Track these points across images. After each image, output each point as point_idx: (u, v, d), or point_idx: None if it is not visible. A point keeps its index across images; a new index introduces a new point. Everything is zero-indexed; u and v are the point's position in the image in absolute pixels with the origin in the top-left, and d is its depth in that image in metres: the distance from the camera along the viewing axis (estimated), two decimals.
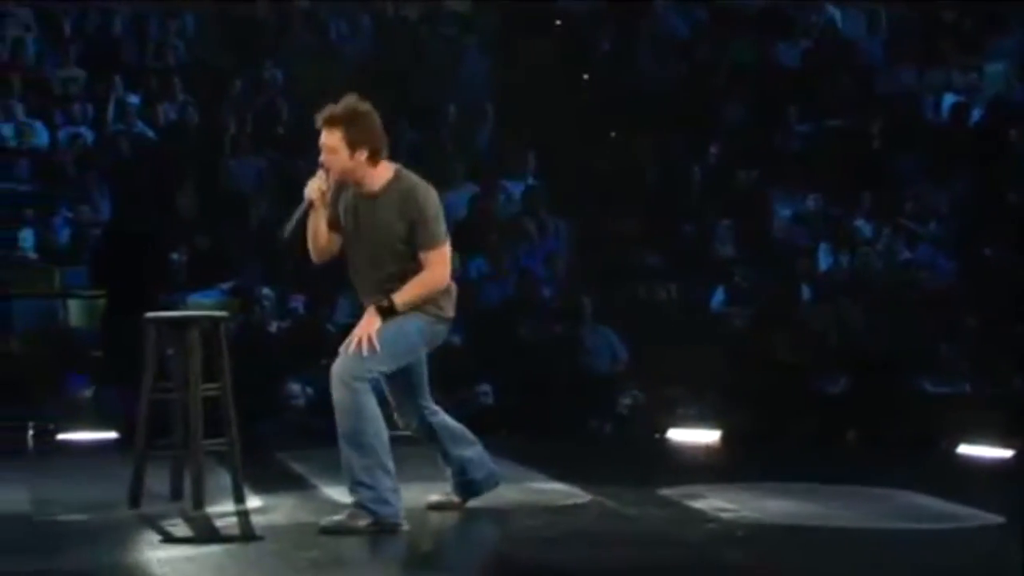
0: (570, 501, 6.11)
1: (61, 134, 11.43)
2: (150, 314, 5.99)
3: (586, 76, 12.27)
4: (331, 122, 5.40)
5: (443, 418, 5.73)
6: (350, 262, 5.60)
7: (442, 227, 5.41)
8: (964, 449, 8.44)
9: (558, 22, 12.65)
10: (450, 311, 5.49)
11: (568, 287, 10.61)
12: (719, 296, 10.47)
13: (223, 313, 6.32)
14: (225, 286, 10.29)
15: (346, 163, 5.37)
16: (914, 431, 9.00)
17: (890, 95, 11.71)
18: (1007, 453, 8.33)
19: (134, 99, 11.64)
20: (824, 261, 10.60)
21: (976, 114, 11.37)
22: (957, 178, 10.85)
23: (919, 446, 8.81)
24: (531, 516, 5.75)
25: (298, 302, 10.34)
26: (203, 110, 11.59)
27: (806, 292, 10.37)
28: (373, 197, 5.41)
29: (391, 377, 5.50)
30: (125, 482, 5.91)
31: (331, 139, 5.39)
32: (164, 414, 5.98)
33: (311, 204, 5.48)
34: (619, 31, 12.48)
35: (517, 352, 9.73)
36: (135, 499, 5.87)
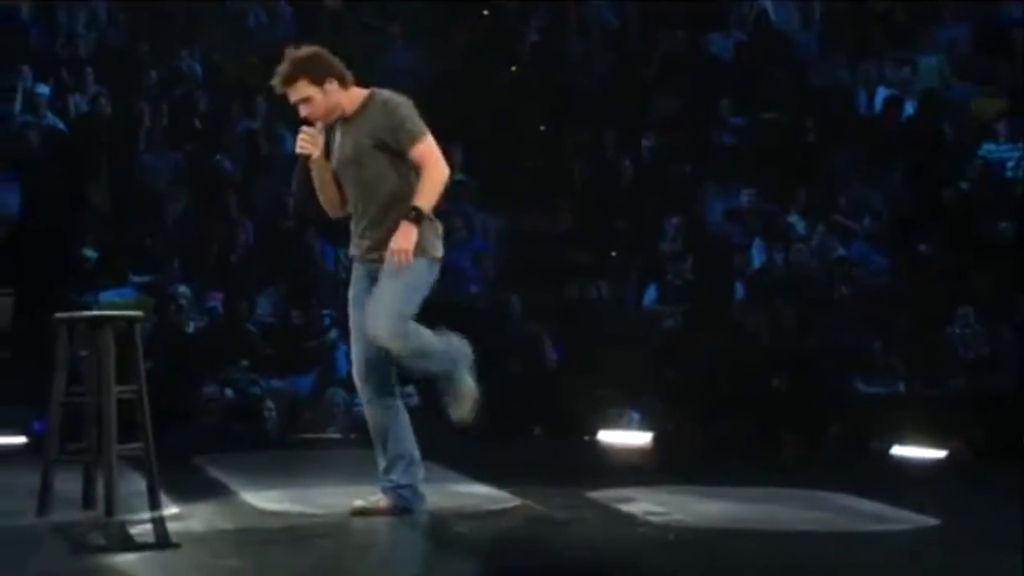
0: (498, 505, 6.12)
1: None
2: (61, 314, 5.92)
3: (514, 68, 12.29)
4: (290, 78, 5.60)
5: (403, 410, 5.76)
6: (350, 201, 5.71)
7: (421, 123, 5.59)
8: (898, 450, 8.56)
9: (485, 12, 12.66)
10: (441, 251, 5.66)
11: (496, 285, 10.63)
12: (651, 294, 10.54)
13: (138, 313, 6.26)
14: (137, 280, 10.21)
15: (323, 102, 5.58)
16: (848, 432, 9.13)
17: (824, 88, 11.83)
18: (941, 454, 8.46)
19: (43, 90, 11.49)
20: (758, 258, 10.69)
21: (909, 108, 11.51)
22: (891, 173, 10.98)
23: (853, 447, 8.93)
24: (458, 521, 5.76)
25: (216, 301, 10.29)
26: (116, 101, 11.47)
27: (739, 290, 10.46)
28: (351, 119, 5.61)
29: (360, 333, 5.60)
30: (33, 489, 5.84)
31: (299, 91, 5.59)
32: (75, 418, 5.91)
33: (306, 159, 5.64)
34: (548, 22, 12.52)
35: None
36: (44, 507, 5.80)
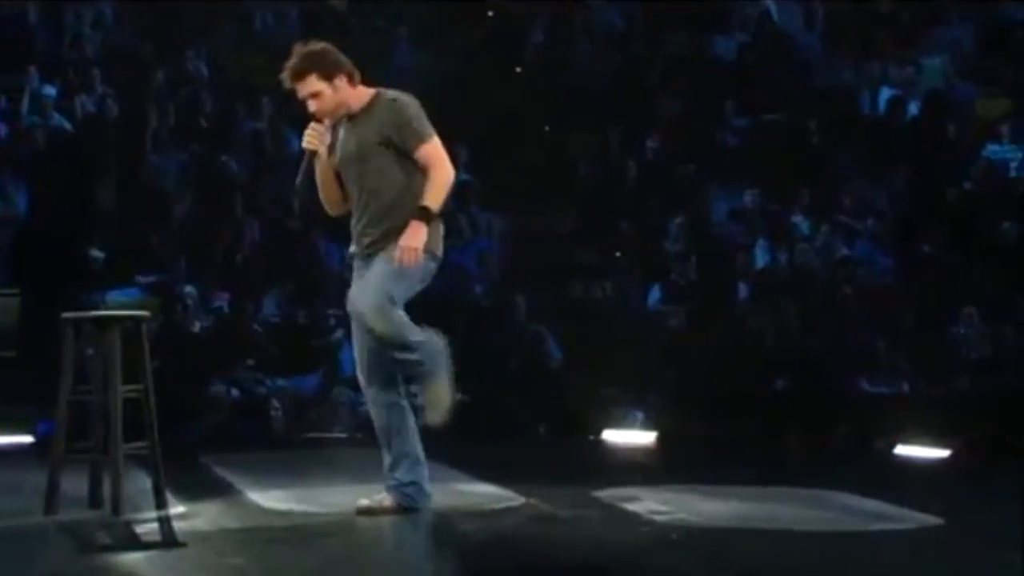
0: (503, 504, 6.12)
1: None
2: (68, 313, 5.92)
3: (519, 69, 12.28)
4: (300, 72, 5.59)
5: (408, 408, 5.76)
6: (351, 198, 5.69)
7: (427, 123, 5.59)
8: (902, 449, 8.55)
9: (490, 13, 12.66)
10: (441, 250, 5.65)
11: (501, 285, 10.62)
12: (655, 294, 10.53)
13: (144, 312, 6.26)
14: (144, 280, 10.21)
15: (332, 98, 5.58)
16: (852, 431, 9.11)
17: (827, 89, 11.82)
18: (944, 453, 8.44)
19: (50, 91, 11.50)
20: (761, 258, 10.69)
21: (913, 108, 11.50)
22: (895, 173, 10.97)
23: (857, 446, 8.92)
24: (463, 520, 5.76)
25: (222, 300, 10.29)
26: (123, 102, 11.47)
27: (743, 290, 10.45)
28: (357, 117, 5.61)
29: (362, 332, 5.59)
30: (40, 488, 5.84)
31: (309, 86, 5.59)
32: (82, 417, 5.91)
33: (312, 154, 5.63)
34: (553, 23, 12.51)
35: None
36: (51, 505, 5.80)
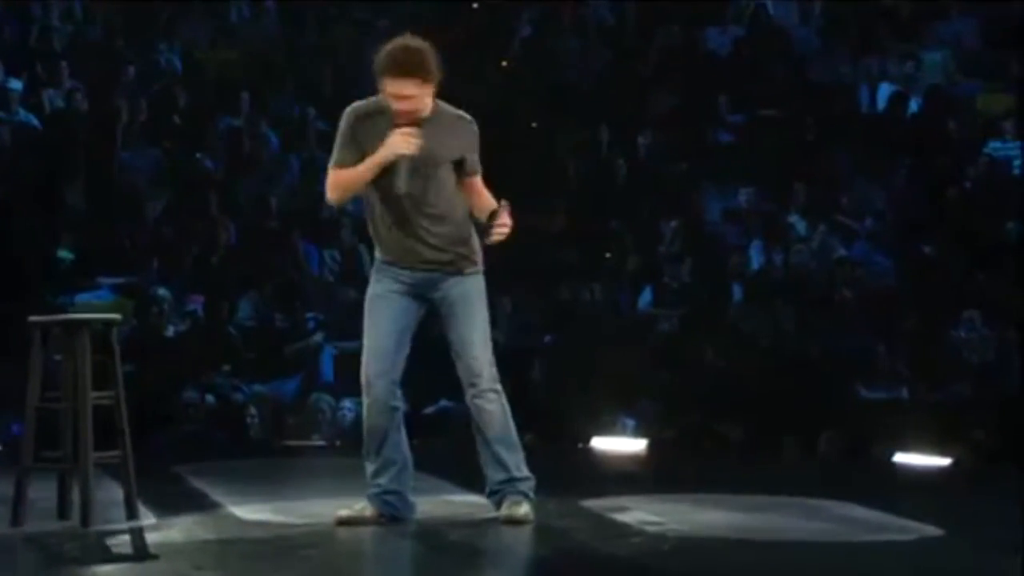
0: (490, 514, 6.13)
1: None
2: (36, 317, 5.92)
3: (505, 63, 12.29)
4: (409, 70, 5.60)
5: (401, 415, 5.79)
6: (393, 204, 5.66)
7: None
8: (900, 457, 8.58)
9: (475, 5, 12.67)
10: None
11: (487, 286, 10.62)
12: (646, 296, 10.55)
13: (115, 316, 6.26)
14: (115, 282, 10.21)
15: (423, 104, 5.66)
16: (849, 438, 9.14)
17: (825, 84, 11.85)
18: (945, 461, 8.47)
19: (16, 85, 11.48)
20: (756, 259, 10.71)
21: (913, 105, 11.53)
22: (894, 172, 11.00)
23: (854, 454, 8.94)
24: (448, 530, 5.76)
25: (197, 303, 10.28)
26: (93, 97, 11.46)
27: (737, 292, 10.47)
28: (426, 121, 5.66)
29: (390, 329, 5.69)
30: (6, 498, 5.84)
31: (407, 88, 5.61)
32: (51, 424, 5.91)
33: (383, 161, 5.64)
34: (540, 17, 12.53)
35: (432, 356, 9.72)
36: (17, 516, 5.79)
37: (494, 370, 5.77)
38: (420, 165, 5.64)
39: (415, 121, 5.63)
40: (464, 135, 5.75)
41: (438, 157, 5.66)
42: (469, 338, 5.72)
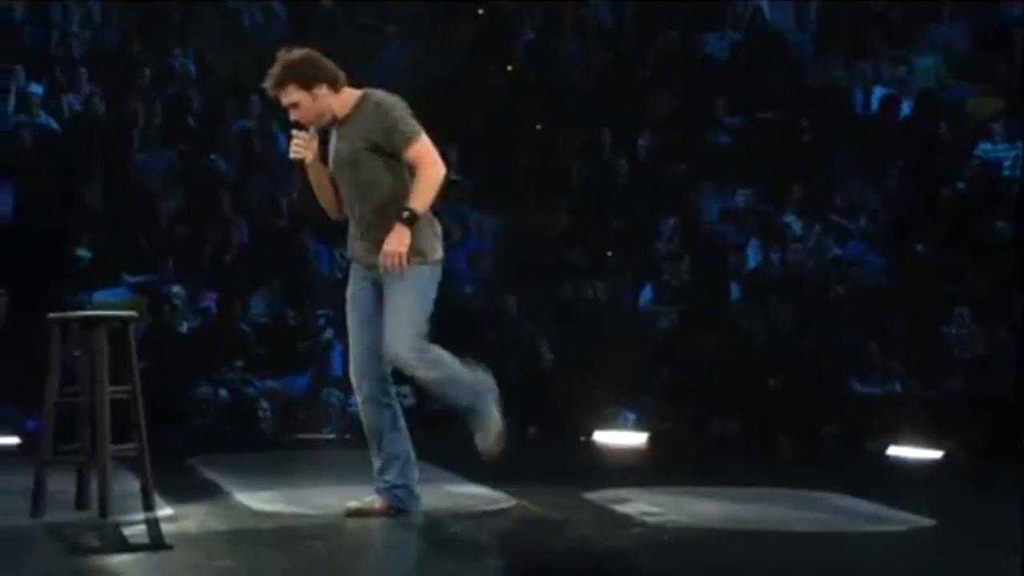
0: (493, 506, 6.12)
1: None
2: (55, 314, 5.92)
3: (509, 68, 12.29)
4: (280, 81, 5.59)
5: (399, 410, 5.76)
6: (346, 203, 5.69)
7: (414, 122, 5.57)
8: (894, 450, 8.57)
9: (480, 11, 12.66)
10: (440, 252, 5.66)
11: (492, 285, 10.63)
12: (647, 294, 10.54)
13: (132, 313, 6.26)
14: (132, 280, 10.21)
15: (313, 107, 5.57)
16: (844, 432, 9.13)
17: (820, 88, 11.83)
18: (937, 454, 8.46)
19: (36, 89, 11.48)
20: (753, 258, 10.70)
21: (906, 107, 11.51)
22: (887, 173, 10.99)
23: (849, 447, 8.93)
24: (453, 522, 5.76)
25: (210, 301, 10.28)
26: (110, 101, 11.46)
27: (735, 290, 10.46)
28: (344, 122, 5.60)
29: (359, 332, 5.62)
30: (27, 490, 5.83)
31: (289, 96, 5.59)
32: (69, 418, 5.91)
33: (300, 164, 5.66)
34: (543, 21, 12.52)
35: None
36: (38, 508, 5.79)
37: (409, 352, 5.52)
38: (347, 163, 5.59)
39: (330, 123, 5.59)
40: (372, 119, 5.55)
41: (354, 151, 5.56)
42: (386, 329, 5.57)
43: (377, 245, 5.55)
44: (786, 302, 10.11)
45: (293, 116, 5.61)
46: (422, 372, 5.55)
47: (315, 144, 5.65)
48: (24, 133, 11.08)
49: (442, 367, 5.56)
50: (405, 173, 5.57)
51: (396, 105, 5.59)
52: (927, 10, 12.06)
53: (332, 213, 5.79)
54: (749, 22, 12.37)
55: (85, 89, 11.55)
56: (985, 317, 9.68)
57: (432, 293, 5.60)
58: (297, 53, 5.60)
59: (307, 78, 5.55)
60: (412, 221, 5.47)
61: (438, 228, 5.67)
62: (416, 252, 5.52)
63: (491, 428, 5.63)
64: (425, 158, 5.52)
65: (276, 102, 5.68)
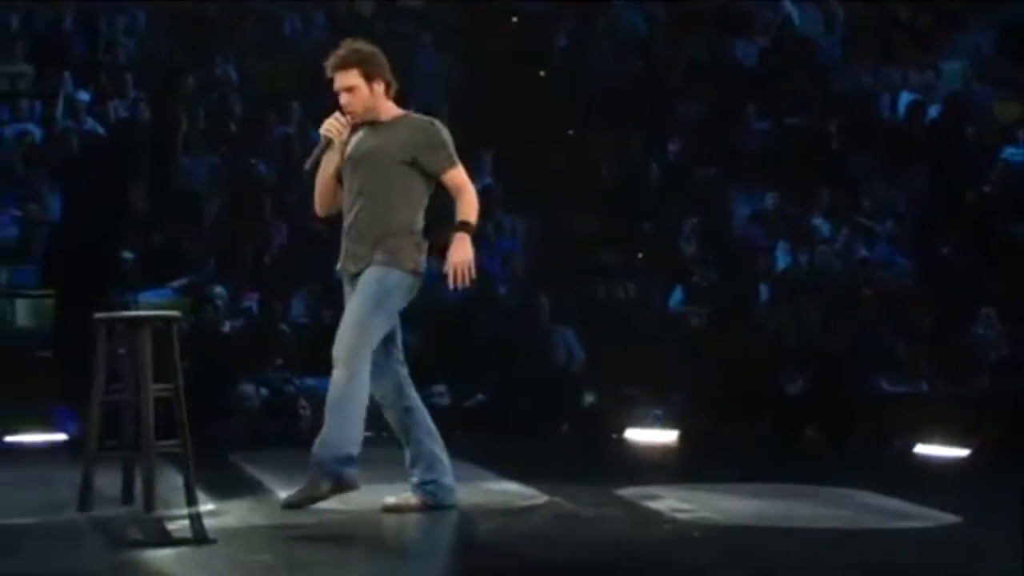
0: (527, 502, 6.11)
1: (8, 131, 11.34)
2: (101, 314, 5.94)
3: (543, 73, 12.28)
4: (346, 63, 5.58)
5: (421, 408, 5.75)
6: (344, 203, 5.65)
7: (455, 154, 5.59)
8: (921, 448, 8.51)
9: (514, 19, 12.66)
10: (423, 265, 5.62)
11: (525, 286, 10.62)
12: (677, 295, 10.51)
13: (175, 313, 6.27)
14: (176, 283, 10.25)
15: (367, 98, 5.57)
16: (871, 430, 9.08)
17: (847, 93, 11.79)
18: (963, 452, 8.40)
19: (84, 96, 11.57)
20: (782, 260, 10.66)
21: (933, 112, 11.45)
22: (914, 176, 10.94)
23: (876, 445, 8.88)
24: (488, 518, 5.75)
25: (252, 301, 10.31)
26: (155, 107, 11.53)
27: (764, 291, 10.43)
28: (380, 126, 5.60)
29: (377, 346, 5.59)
30: (74, 485, 5.87)
31: (348, 79, 5.58)
32: (115, 416, 5.93)
33: (328, 142, 5.62)
34: (576, 28, 12.51)
35: (473, 352, 9.74)
36: (85, 502, 5.82)
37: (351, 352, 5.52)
38: (366, 160, 5.57)
39: (366, 122, 5.57)
40: (419, 135, 5.56)
41: (384, 154, 5.54)
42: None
43: (355, 250, 5.54)
44: (814, 303, 10.07)
45: (343, 100, 5.58)
46: (335, 378, 5.52)
47: (347, 134, 5.63)
48: (72, 138, 11.15)
49: (349, 394, 5.49)
50: (419, 197, 5.57)
51: (444, 130, 5.64)
52: (953, 16, 12.00)
53: (320, 208, 5.79)
54: (778, 29, 12.34)
55: (131, 95, 11.62)
56: (1011, 317, 9.61)
57: (395, 303, 5.55)
58: (368, 46, 5.62)
59: (372, 68, 5.57)
60: (471, 231, 5.52)
61: (423, 245, 5.63)
62: (397, 261, 5.49)
63: (310, 489, 5.58)
64: (467, 182, 5.62)
65: (321, 97, 5.67)
